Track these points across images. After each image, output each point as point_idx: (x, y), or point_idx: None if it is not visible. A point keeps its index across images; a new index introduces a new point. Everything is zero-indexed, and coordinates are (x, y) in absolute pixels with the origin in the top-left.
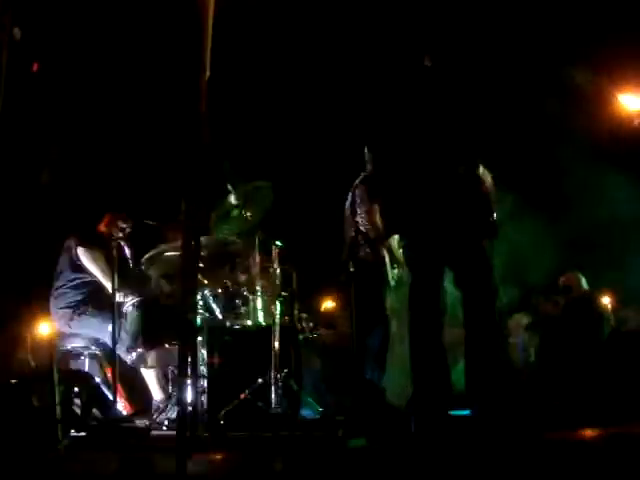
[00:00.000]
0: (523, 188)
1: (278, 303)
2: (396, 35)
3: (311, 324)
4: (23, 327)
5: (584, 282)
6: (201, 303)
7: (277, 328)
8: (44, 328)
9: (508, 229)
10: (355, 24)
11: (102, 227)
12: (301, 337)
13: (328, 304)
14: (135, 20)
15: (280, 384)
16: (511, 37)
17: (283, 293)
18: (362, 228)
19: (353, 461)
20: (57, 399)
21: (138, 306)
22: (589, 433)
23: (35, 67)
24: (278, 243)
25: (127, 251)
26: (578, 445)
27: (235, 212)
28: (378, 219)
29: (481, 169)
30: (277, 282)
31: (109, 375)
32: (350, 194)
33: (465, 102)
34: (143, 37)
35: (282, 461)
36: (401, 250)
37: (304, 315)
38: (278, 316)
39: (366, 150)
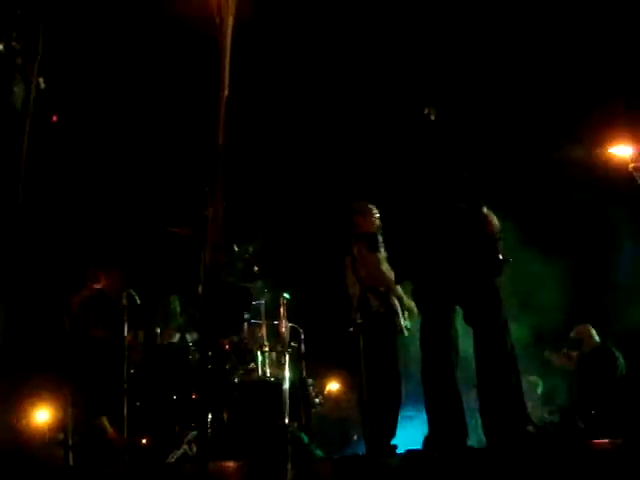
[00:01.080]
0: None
1: (287, 356)
2: (400, 88)
3: (317, 390)
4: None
5: (595, 334)
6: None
7: (287, 382)
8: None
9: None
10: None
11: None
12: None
13: (333, 386)
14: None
15: (289, 437)
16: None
17: (292, 343)
18: (369, 283)
19: None
20: None
21: None
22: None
23: (55, 118)
24: (286, 295)
25: None
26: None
27: (239, 265)
28: (383, 269)
29: (485, 209)
30: (286, 337)
31: None
32: (348, 256)
33: (463, 145)
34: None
35: None
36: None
37: (310, 380)
38: (287, 370)
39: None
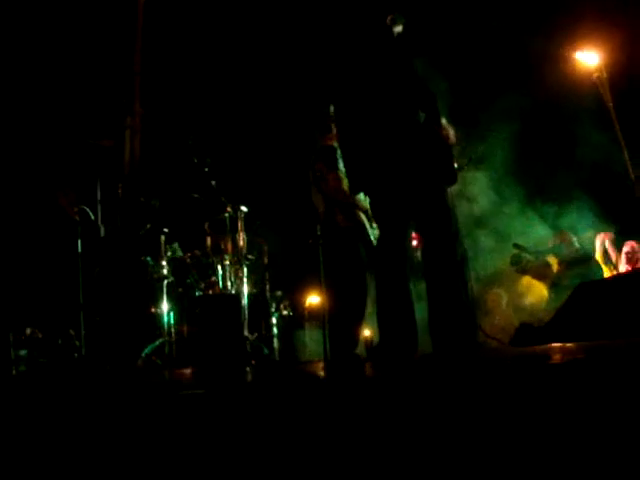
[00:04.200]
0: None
1: (245, 269)
2: None
3: (287, 302)
4: None
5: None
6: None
7: (245, 293)
8: None
9: None
10: None
11: None
12: (276, 314)
13: (313, 299)
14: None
15: (249, 348)
16: None
17: (249, 256)
18: (333, 198)
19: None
20: None
21: None
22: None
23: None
24: (243, 208)
25: None
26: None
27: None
28: (345, 185)
29: (444, 120)
30: (244, 248)
31: None
32: (310, 173)
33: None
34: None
35: None
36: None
37: (278, 293)
38: (245, 281)
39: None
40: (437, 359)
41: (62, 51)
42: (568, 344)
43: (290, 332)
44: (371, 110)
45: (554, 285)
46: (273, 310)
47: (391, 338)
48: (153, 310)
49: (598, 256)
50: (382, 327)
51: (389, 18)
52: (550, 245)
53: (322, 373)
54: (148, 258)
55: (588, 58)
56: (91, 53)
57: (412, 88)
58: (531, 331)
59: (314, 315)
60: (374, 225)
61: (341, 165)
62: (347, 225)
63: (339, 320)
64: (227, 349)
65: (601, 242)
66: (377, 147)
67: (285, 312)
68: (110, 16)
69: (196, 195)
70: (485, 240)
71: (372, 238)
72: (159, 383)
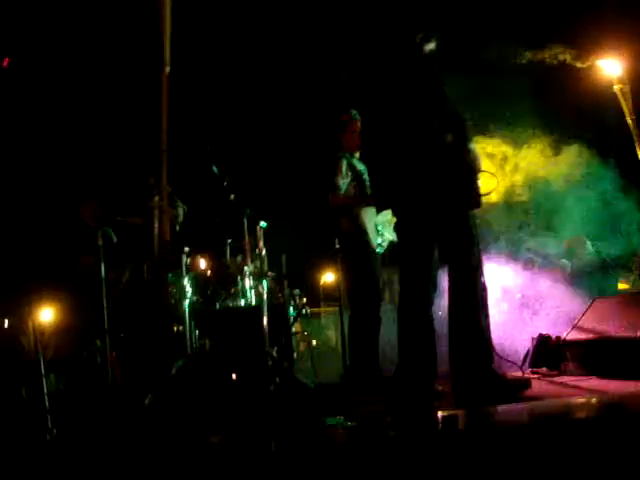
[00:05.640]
0: None
1: (265, 283)
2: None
3: (304, 300)
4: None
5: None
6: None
7: (265, 307)
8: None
9: None
10: None
11: None
12: (294, 313)
13: (328, 277)
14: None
15: (271, 363)
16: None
17: (270, 273)
18: (334, 204)
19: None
20: (45, 389)
21: None
22: None
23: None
24: (262, 223)
25: None
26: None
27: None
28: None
29: (471, 144)
30: (264, 263)
31: None
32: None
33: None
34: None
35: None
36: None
37: (296, 291)
38: (265, 295)
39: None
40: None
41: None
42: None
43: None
44: (399, 130)
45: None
46: (293, 312)
47: (413, 366)
48: (176, 328)
49: None
50: (403, 353)
51: (419, 36)
52: (565, 248)
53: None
54: (170, 275)
55: (610, 67)
56: (117, 130)
57: (441, 109)
58: (549, 347)
59: (329, 295)
60: (382, 231)
61: (344, 170)
62: (350, 230)
63: (354, 336)
64: (249, 366)
65: None
66: (404, 168)
67: (304, 311)
68: (135, 92)
69: (217, 220)
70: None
71: (374, 244)
72: None
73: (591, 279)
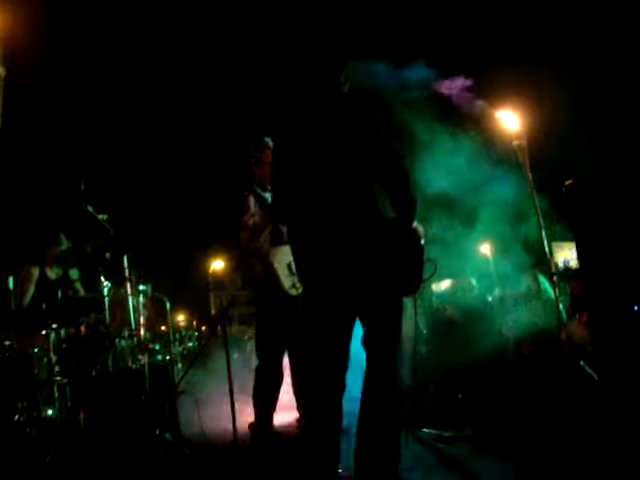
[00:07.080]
0: None
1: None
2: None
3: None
4: None
5: None
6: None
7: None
8: None
9: None
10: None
11: None
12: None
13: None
14: None
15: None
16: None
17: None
18: (245, 247)
19: None
20: None
21: None
22: None
23: None
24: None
25: None
26: None
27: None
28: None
29: (415, 223)
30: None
31: None
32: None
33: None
34: None
35: None
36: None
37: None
38: (146, 359)
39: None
40: None
41: None
42: None
43: None
44: (318, 184)
45: None
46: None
47: (314, 454)
48: (43, 415)
49: None
50: (306, 437)
51: (343, 75)
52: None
53: None
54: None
55: (509, 121)
56: None
57: (374, 154)
58: None
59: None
60: (293, 272)
61: (252, 205)
62: (262, 275)
63: (258, 387)
64: (131, 443)
65: None
66: (337, 236)
67: (190, 344)
68: None
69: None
70: None
71: (287, 288)
72: None
73: None
